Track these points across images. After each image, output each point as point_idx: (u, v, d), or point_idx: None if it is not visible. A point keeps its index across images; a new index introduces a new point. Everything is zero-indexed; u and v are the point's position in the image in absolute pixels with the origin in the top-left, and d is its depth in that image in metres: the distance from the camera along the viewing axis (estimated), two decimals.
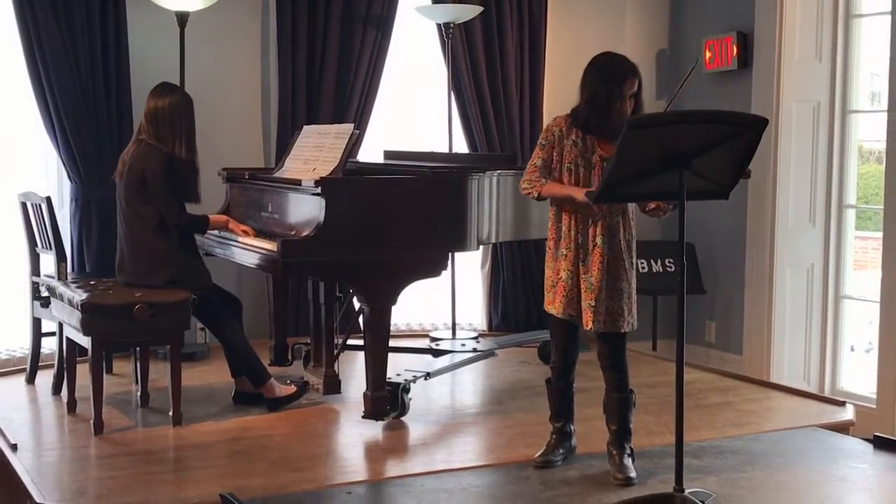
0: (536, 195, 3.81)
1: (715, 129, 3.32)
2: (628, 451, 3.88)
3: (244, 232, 4.77)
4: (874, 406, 5.50)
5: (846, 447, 4.31)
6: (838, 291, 6.11)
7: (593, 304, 3.77)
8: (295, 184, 4.55)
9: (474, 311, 6.79)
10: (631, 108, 3.74)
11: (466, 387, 5.47)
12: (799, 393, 5.30)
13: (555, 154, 3.81)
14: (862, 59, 6.04)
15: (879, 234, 5.69)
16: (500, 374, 5.62)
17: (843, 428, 4.62)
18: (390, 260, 4.38)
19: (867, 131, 6.16)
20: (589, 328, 3.80)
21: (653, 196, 3.63)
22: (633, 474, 3.80)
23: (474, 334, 6.27)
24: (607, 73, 3.73)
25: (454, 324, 6.26)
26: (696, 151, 3.32)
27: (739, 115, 3.47)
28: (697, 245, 6.34)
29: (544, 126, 3.89)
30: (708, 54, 6.44)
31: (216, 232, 4.91)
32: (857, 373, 6.14)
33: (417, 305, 6.29)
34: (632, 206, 3.86)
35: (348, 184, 4.47)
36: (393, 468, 4.06)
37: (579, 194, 3.68)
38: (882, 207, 5.56)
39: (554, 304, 3.86)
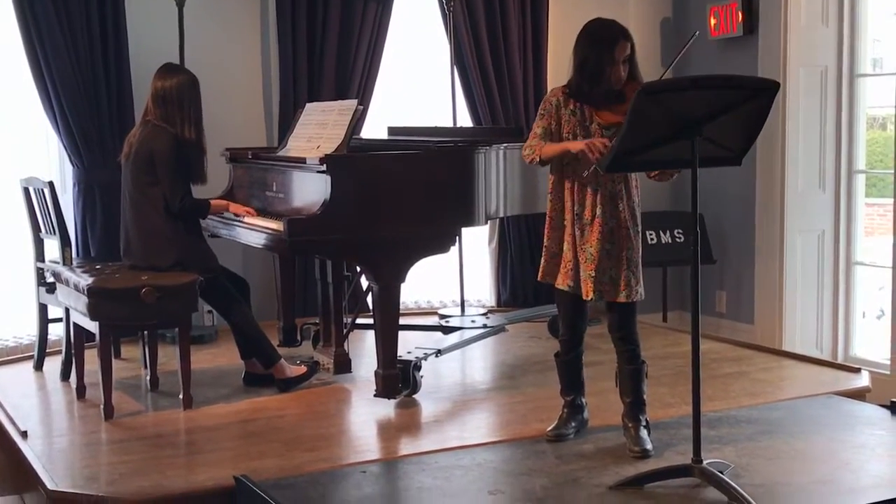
0: (538, 159, 3.74)
1: (727, 94, 3.27)
2: (644, 423, 3.84)
3: (247, 212, 4.74)
4: (888, 372, 5.46)
5: (863, 414, 4.27)
6: (850, 257, 6.05)
7: (593, 274, 3.72)
8: (299, 162, 4.50)
9: (482, 287, 6.75)
10: (625, 73, 3.69)
11: (477, 363, 5.44)
12: (813, 361, 5.26)
13: (553, 124, 3.76)
14: (869, 22, 5.97)
15: (885, 201, 5.64)
16: (510, 349, 5.59)
17: (859, 395, 4.59)
18: (398, 237, 4.34)
19: (870, 98, 6.08)
20: (588, 298, 3.76)
21: (664, 164, 3.57)
22: (649, 446, 3.76)
23: (483, 310, 6.23)
24: (597, 38, 3.68)
25: (462, 300, 6.22)
26: (707, 117, 3.27)
27: (751, 78, 3.42)
28: (706, 214, 6.28)
29: (544, 97, 3.82)
30: (713, 21, 6.36)
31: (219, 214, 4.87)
32: (869, 339, 6.09)
33: (425, 283, 6.25)
34: (635, 173, 3.80)
35: (354, 160, 4.42)
36: (407, 446, 4.03)
37: (574, 146, 3.63)
38: (893, 172, 5.49)
39: (553, 276, 3.83)
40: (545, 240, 3.86)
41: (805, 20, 5.97)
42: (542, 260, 3.88)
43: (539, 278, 3.90)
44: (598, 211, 3.72)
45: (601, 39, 3.67)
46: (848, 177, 6.03)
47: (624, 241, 3.75)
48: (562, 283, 3.80)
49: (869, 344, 6.05)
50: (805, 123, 6.02)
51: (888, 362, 5.50)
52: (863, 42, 5.96)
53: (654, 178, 3.76)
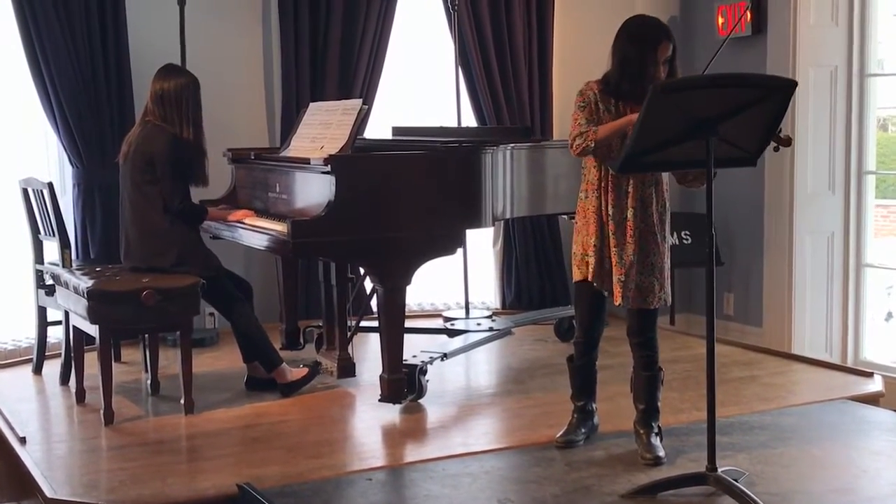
0: (593, 144, 3.55)
1: (742, 93, 3.19)
2: (656, 430, 3.77)
3: (244, 215, 4.70)
4: None
5: (878, 419, 4.20)
6: (860, 259, 5.97)
7: (623, 279, 3.63)
8: (303, 163, 4.42)
9: (487, 289, 6.67)
10: (665, 74, 3.58)
11: (483, 367, 5.36)
12: (825, 365, 5.19)
13: (593, 115, 3.62)
14: (879, 21, 5.89)
15: (891, 202, 5.54)
16: (516, 352, 5.51)
17: (872, 399, 4.51)
18: (404, 238, 4.26)
19: (874, 99, 6.00)
20: (618, 304, 3.67)
21: (678, 165, 3.49)
22: (661, 453, 3.69)
23: (488, 313, 6.14)
24: (639, 37, 3.56)
25: (467, 303, 6.14)
26: (722, 117, 3.20)
27: (768, 77, 3.35)
28: (714, 215, 6.19)
29: (578, 91, 3.69)
30: (720, 20, 6.28)
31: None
32: (878, 342, 6.00)
33: (429, 285, 6.17)
34: (666, 178, 3.71)
35: (359, 161, 4.34)
36: (413, 452, 3.96)
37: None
38: None
39: (585, 276, 3.70)
40: (574, 243, 3.74)
41: (815, 19, 5.89)
42: (574, 262, 3.73)
43: (576, 279, 3.75)
44: (630, 214, 3.62)
45: (644, 39, 3.56)
46: (858, 178, 5.94)
47: (651, 246, 3.66)
48: (591, 277, 3.68)
49: (877, 347, 5.96)
50: (814, 124, 5.93)
51: None
52: (873, 42, 5.88)
53: (685, 184, 3.66)
